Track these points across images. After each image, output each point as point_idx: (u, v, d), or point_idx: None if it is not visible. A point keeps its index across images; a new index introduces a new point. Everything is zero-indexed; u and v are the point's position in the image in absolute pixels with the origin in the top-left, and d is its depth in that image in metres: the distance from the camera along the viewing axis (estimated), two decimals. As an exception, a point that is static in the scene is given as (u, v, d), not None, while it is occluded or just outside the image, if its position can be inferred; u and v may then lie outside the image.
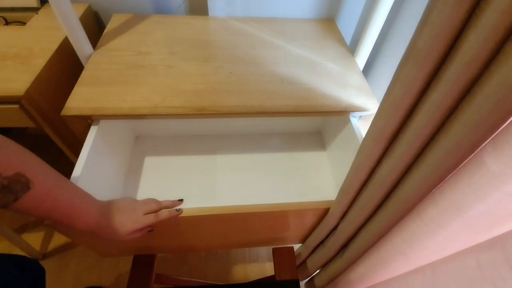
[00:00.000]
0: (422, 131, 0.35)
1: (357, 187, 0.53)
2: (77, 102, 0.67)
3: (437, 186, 0.36)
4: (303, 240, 0.82)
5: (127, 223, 0.46)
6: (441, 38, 0.29)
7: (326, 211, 0.63)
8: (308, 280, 0.99)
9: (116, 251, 0.74)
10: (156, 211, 0.50)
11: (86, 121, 0.70)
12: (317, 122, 0.97)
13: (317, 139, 0.98)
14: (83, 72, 0.74)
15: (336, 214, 0.62)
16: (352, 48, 0.89)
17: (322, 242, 0.75)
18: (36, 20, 0.89)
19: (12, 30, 0.86)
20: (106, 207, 0.46)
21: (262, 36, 0.91)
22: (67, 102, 0.66)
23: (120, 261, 1.12)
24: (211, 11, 0.96)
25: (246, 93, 0.72)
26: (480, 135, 0.29)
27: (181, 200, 0.56)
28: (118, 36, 0.86)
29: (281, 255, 0.67)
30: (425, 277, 0.39)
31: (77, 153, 0.64)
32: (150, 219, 0.48)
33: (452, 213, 0.32)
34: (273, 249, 0.69)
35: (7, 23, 0.91)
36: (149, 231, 0.51)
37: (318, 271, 0.89)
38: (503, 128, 0.26)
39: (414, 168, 0.39)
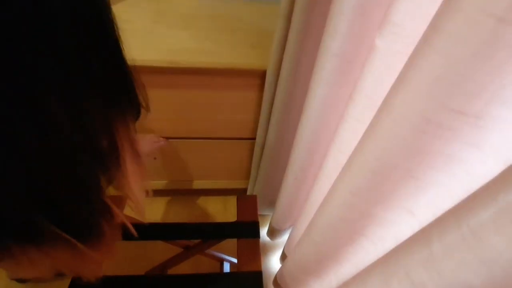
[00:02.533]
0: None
1: (280, 53, 0.69)
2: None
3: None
4: (254, 134, 0.93)
5: (145, 148, 0.79)
6: None
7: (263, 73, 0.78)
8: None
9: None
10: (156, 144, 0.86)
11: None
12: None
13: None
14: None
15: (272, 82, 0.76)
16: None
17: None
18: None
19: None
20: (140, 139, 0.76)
21: (240, 14, 0.99)
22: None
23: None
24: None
25: (220, 54, 0.79)
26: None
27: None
28: (105, 7, 0.93)
29: (245, 201, 0.71)
30: (345, 172, 0.43)
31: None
32: (155, 146, 0.86)
33: (364, 103, 0.38)
34: (237, 196, 0.73)
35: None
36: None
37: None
38: (387, 12, 0.32)
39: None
